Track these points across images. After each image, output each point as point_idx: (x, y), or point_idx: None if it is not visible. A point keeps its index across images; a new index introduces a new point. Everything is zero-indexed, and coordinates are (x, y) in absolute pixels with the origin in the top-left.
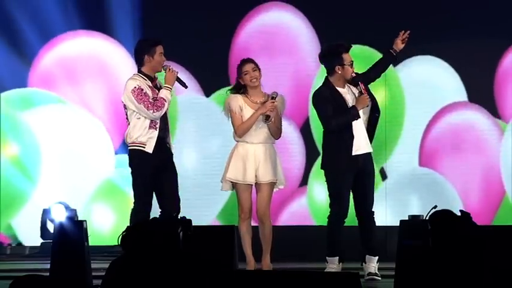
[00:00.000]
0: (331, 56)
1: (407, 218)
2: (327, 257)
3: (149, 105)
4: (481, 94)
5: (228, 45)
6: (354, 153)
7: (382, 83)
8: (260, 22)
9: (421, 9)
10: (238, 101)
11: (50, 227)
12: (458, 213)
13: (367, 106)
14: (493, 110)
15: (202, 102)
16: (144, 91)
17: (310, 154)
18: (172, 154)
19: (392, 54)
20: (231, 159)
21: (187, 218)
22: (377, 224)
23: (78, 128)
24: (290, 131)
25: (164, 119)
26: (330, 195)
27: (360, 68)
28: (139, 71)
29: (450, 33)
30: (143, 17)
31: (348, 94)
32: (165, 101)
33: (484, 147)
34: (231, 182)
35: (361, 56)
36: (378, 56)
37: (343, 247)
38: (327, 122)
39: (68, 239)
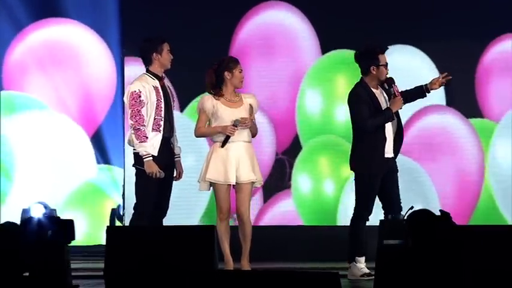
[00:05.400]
0: (367, 56)
1: (386, 218)
2: (356, 257)
3: (134, 116)
4: (460, 91)
5: (226, 46)
6: (386, 155)
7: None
8: (259, 21)
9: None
10: (212, 100)
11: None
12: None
13: (400, 108)
14: (473, 108)
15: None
16: (141, 98)
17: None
18: (174, 155)
19: (424, 91)
20: (210, 160)
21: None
22: None
23: (55, 131)
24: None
25: (170, 119)
26: (358, 196)
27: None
28: (147, 71)
29: (436, 30)
30: (128, 15)
31: (381, 96)
32: (139, 143)
33: (457, 148)
34: (210, 182)
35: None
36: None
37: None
38: (363, 123)
39: (47, 238)
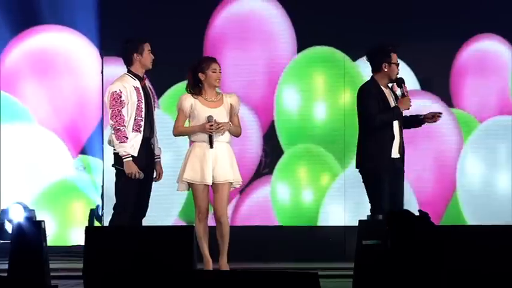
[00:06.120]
0: (379, 53)
1: (366, 218)
2: None
3: (114, 116)
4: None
5: (201, 36)
6: (392, 155)
7: (341, 83)
8: (233, 11)
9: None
10: (191, 100)
11: (8, 228)
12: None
13: (408, 109)
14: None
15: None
16: (122, 99)
17: (269, 145)
18: (154, 155)
19: (419, 122)
20: (187, 160)
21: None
22: (336, 224)
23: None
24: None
25: (151, 120)
26: (370, 198)
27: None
28: (129, 71)
29: (410, 35)
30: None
31: (390, 96)
32: (119, 143)
33: (437, 140)
34: (188, 182)
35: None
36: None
37: None
38: (371, 118)
39: (26, 239)
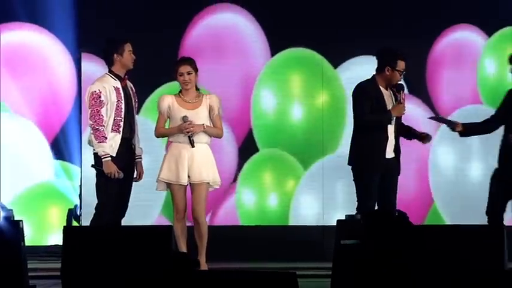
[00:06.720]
0: (386, 56)
1: (344, 218)
2: None
3: (93, 116)
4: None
5: (176, 47)
6: (386, 155)
7: (319, 83)
8: (209, 23)
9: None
10: (168, 100)
11: None
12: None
13: (400, 116)
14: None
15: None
16: (101, 99)
17: (246, 154)
18: (135, 155)
19: (411, 137)
20: (164, 160)
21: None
22: (314, 224)
23: (16, 134)
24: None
25: (130, 120)
26: (358, 195)
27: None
28: (110, 71)
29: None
30: (81, 15)
31: (390, 98)
32: (98, 143)
33: (416, 150)
34: (165, 182)
35: (301, 57)
36: (317, 57)
37: None
38: (361, 117)
39: (4, 239)
